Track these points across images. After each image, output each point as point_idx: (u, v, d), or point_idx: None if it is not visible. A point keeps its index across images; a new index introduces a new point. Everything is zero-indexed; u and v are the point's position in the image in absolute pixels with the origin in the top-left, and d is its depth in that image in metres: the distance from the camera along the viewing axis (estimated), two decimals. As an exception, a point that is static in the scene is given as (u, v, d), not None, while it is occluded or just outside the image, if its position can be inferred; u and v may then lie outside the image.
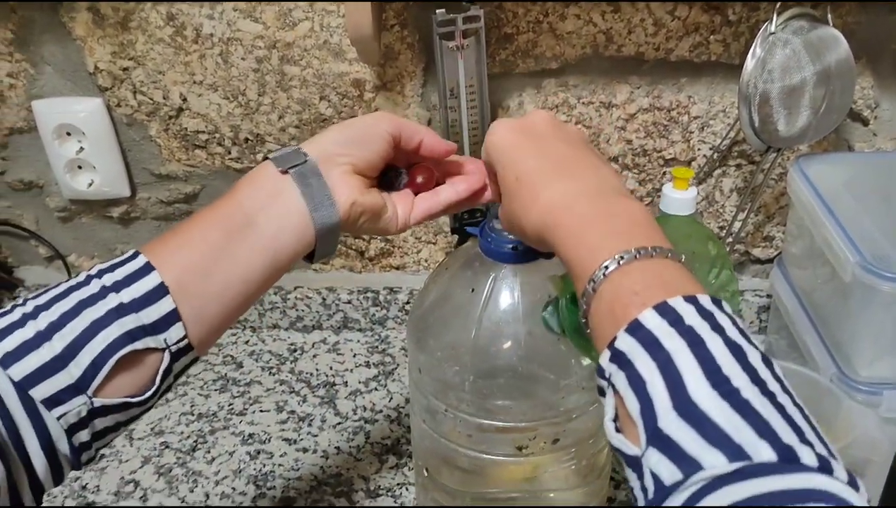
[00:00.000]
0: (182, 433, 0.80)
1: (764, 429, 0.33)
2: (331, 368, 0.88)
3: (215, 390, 0.86)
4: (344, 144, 0.51)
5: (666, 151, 0.85)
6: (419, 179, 0.56)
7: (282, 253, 0.49)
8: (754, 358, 0.35)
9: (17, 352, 0.42)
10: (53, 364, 0.42)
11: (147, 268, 0.45)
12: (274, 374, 0.87)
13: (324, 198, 0.50)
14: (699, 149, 0.84)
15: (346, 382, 0.86)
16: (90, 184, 0.88)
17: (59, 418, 0.42)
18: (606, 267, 0.39)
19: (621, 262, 0.39)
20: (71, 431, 0.43)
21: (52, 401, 0.42)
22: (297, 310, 0.93)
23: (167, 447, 0.78)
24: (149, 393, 0.45)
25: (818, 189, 0.71)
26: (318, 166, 0.50)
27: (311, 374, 0.87)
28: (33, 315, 0.43)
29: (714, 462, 0.32)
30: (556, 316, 0.53)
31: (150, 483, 0.74)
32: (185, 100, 0.85)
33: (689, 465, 0.32)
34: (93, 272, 0.46)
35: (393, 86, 0.84)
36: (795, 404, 0.35)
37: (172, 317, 0.45)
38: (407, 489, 0.72)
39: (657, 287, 0.38)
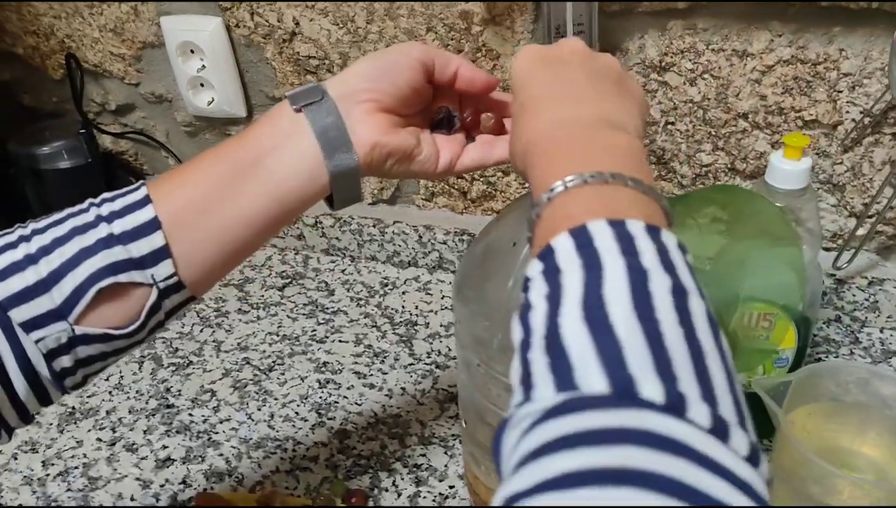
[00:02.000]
0: (264, 352, 0.82)
1: (610, 358, 0.29)
2: (416, 307, 0.87)
3: (303, 314, 0.87)
4: (368, 79, 0.48)
5: (806, 112, 0.74)
6: (468, 119, 0.52)
7: (290, 197, 0.47)
8: (658, 286, 0.31)
9: (3, 273, 0.42)
10: (36, 288, 0.42)
11: (144, 201, 0.45)
12: (361, 306, 0.88)
13: (340, 140, 0.47)
14: (847, 112, 0.72)
15: (428, 324, 0.84)
16: (210, 102, 0.91)
17: (37, 342, 0.43)
18: (552, 190, 0.36)
19: (569, 185, 0.36)
20: (51, 356, 0.43)
21: (31, 325, 0.42)
22: (393, 245, 0.92)
23: (248, 362, 0.81)
24: (133, 327, 0.45)
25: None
26: (336, 104, 0.47)
27: (396, 311, 0.86)
28: (28, 238, 0.44)
29: (545, 393, 0.29)
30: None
31: (224, 395, 0.77)
32: (297, 24, 0.85)
33: (530, 392, 0.30)
34: (96, 200, 0.46)
35: (502, 20, 0.78)
36: (694, 345, 0.30)
37: (162, 253, 0.44)
38: (460, 441, 0.70)
39: (597, 212, 0.34)
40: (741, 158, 0.78)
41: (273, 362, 0.81)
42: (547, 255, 0.33)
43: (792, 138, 0.57)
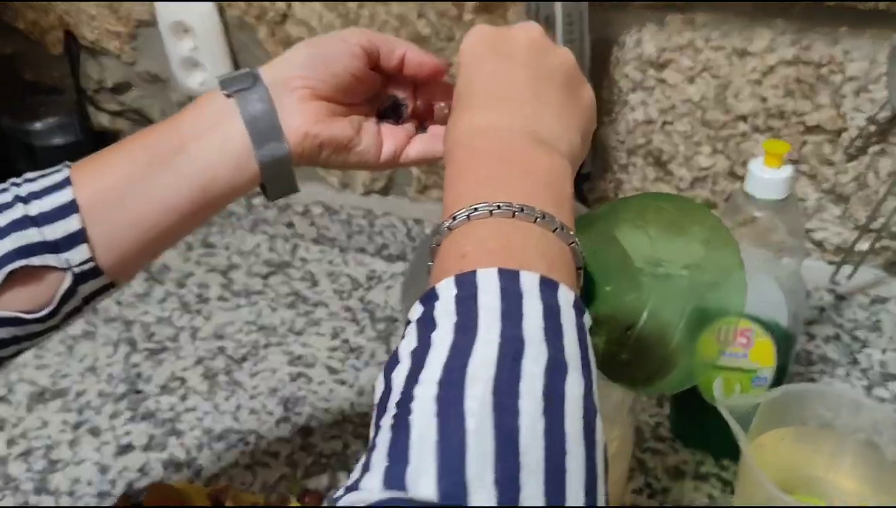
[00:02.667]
0: (239, 341, 0.81)
1: (448, 458, 0.25)
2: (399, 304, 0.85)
3: (284, 305, 0.85)
4: (303, 66, 0.45)
5: (808, 116, 0.69)
6: (420, 108, 0.50)
7: (215, 186, 0.45)
8: (532, 362, 0.28)
9: None
10: None
11: (64, 183, 0.43)
12: (343, 299, 0.85)
13: (270, 128, 0.44)
14: (852, 119, 0.68)
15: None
16: (202, 83, 0.90)
17: None
18: (454, 218, 0.33)
19: (472, 216, 0.33)
20: None
21: None
22: (382, 237, 0.90)
23: (222, 352, 0.80)
24: (46, 312, 0.43)
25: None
26: (268, 91, 0.45)
27: (378, 306, 0.84)
28: None
29: (372, 483, 0.26)
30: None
31: (194, 384, 0.76)
32: (289, 6, 0.82)
33: (363, 477, 0.27)
34: (18, 180, 0.44)
35: (495, 8, 0.75)
36: (555, 442, 0.27)
37: (78, 238, 0.43)
38: (425, 445, 0.68)
39: (494, 253, 0.32)
40: (741, 163, 0.74)
41: (247, 352, 0.80)
42: (428, 301, 0.31)
43: (772, 145, 0.53)
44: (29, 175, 0.44)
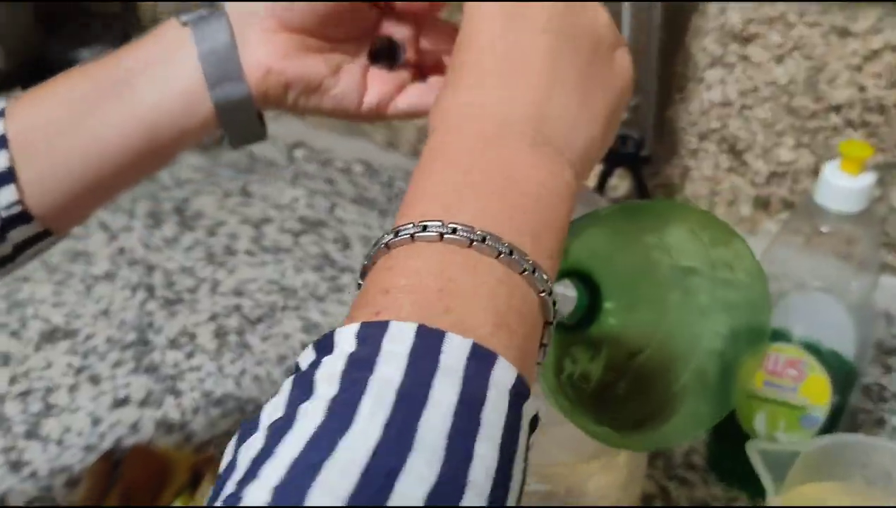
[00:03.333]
0: (258, 300, 0.77)
1: None
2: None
3: (311, 266, 0.80)
4: None
5: (915, 113, 0.59)
6: (423, 54, 0.42)
7: (161, 128, 0.39)
8: (411, 486, 0.20)
9: None
10: None
11: None
12: (372, 267, 0.80)
13: (228, 64, 0.38)
14: (969, 121, 0.57)
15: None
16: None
17: None
18: (397, 233, 0.26)
19: (416, 236, 0.25)
20: None
21: None
22: (422, 205, 0.84)
23: (238, 310, 0.76)
24: None
25: None
26: (229, 20, 0.39)
27: (407, 278, 0.78)
28: None
29: None
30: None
31: (203, 342, 0.72)
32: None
33: None
34: None
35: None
36: None
37: (6, 177, 0.38)
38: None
39: (425, 297, 0.24)
40: (829, 160, 0.64)
41: (263, 313, 0.75)
42: (321, 350, 0.24)
43: (850, 147, 0.44)
44: None
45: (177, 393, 0.67)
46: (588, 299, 0.39)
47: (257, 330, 0.74)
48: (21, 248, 0.41)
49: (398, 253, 0.26)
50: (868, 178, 0.44)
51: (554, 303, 0.27)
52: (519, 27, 0.32)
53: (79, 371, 0.70)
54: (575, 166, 0.30)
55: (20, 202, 0.39)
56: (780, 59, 0.63)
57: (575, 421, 0.32)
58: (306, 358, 0.24)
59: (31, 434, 0.65)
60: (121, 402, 0.67)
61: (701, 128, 0.69)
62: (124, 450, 0.62)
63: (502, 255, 0.25)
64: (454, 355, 0.23)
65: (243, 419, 0.65)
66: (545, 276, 0.26)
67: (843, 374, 0.50)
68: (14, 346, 0.73)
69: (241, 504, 0.20)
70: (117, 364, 0.71)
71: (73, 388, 0.69)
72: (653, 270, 0.37)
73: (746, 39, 0.63)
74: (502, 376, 0.23)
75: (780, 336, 0.50)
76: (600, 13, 0.34)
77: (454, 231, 0.25)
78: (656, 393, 0.35)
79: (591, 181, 0.77)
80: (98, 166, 0.40)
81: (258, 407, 0.64)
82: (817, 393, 0.50)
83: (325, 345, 0.24)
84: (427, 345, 0.23)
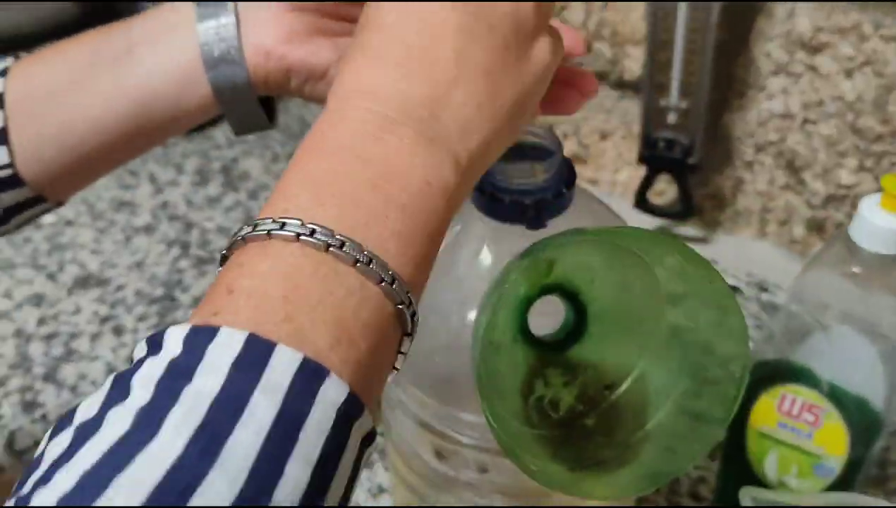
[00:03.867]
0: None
1: None
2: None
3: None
4: None
5: None
6: None
7: (157, 102, 0.38)
8: (222, 479, 0.19)
9: None
10: None
11: None
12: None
13: (228, 44, 0.37)
14: None
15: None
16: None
17: None
18: (256, 226, 0.24)
19: (273, 232, 0.24)
20: None
21: None
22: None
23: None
24: None
25: None
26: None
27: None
28: None
29: None
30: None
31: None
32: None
33: None
34: None
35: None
36: None
37: None
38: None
39: (266, 303, 0.22)
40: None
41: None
42: (152, 348, 0.22)
43: (893, 180, 0.40)
44: None
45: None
46: (574, 318, 0.37)
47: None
48: (13, 212, 0.41)
49: (252, 249, 0.24)
50: (910, 219, 0.40)
51: (414, 315, 0.25)
52: (425, 8, 0.29)
53: (104, 320, 0.71)
54: (464, 165, 0.27)
55: (11, 165, 0.38)
56: (849, 73, 0.57)
57: (514, 455, 0.29)
58: (138, 351, 0.23)
59: (49, 377, 0.66)
60: (138, 356, 0.68)
61: (758, 140, 0.64)
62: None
63: (359, 264, 0.24)
64: (280, 369, 0.21)
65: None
66: (405, 288, 0.25)
67: (866, 424, 0.46)
68: (49, 288, 0.75)
69: (29, 507, 0.19)
70: (142, 317, 0.72)
71: (95, 337, 0.70)
72: (641, 305, 0.35)
73: (815, 49, 0.58)
74: (331, 393, 0.22)
75: (801, 375, 0.46)
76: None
77: (312, 232, 0.23)
78: (623, 433, 0.33)
79: (633, 184, 0.74)
80: (88, 138, 0.39)
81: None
82: (834, 443, 0.46)
83: (155, 343, 0.23)
84: (253, 357, 0.21)
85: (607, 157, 0.74)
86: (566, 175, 0.37)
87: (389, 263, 0.24)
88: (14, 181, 0.39)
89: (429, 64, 0.28)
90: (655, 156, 0.64)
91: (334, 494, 0.21)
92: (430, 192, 0.26)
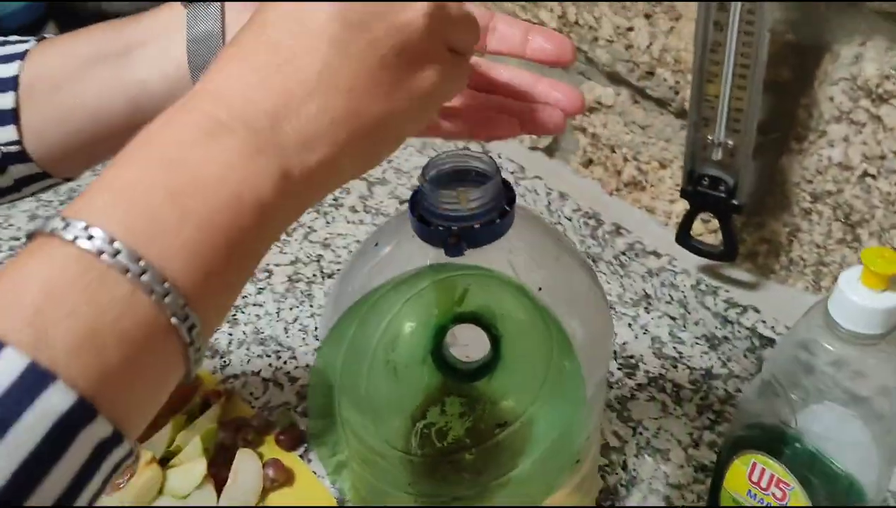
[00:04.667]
0: (339, 257, 0.79)
1: None
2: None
3: (400, 235, 0.81)
4: None
5: None
6: None
7: (150, 102, 0.41)
8: None
9: None
10: None
11: (18, 57, 0.42)
12: (455, 251, 0.79)
13: (211, 55, 0.39)
14: None
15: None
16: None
17: None
18: (66, 224, 0.25)
19: (55, 232, 0.24)
20: None
21: None
22: (524, 200, 0.81)
23: (318, 261, 0.79)
24: None
25: None
26: (223, 8, 0.39)
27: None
28: None
29: None
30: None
31: (276, 282, 0.76)
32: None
33: None
34: None
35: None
36: None
37: (9, 116, 0.42)
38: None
39: (22, 298, 0.23)
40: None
41: (337, 270, 0.78)
42: None
43: (874, 255, 0.36)
44: (8, 39, 0.44)
45: (233, 322, 0.72)
46: (491, 351, 0.36)
47: (326, 284, 0.76)
48: (24, 183, 0.45)
49: (33, 245, 0.25)
50: (891, 299, 0.36)
51: (192, 328, 0.25)
52: (307, 11, 0.28)
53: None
54: (297, 179, 0.27)
55: (19, 142, 0.42)
56: (915, 128, 0.52)
57: (358, 467, 0.30)
58: None
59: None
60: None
61: (816, 188, 0.59)
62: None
63: (129, 274, 0.24)
64: (6, 371, 0.22)
65: (276, 360, 0.68)
66: (181, 301, 0.25)
67: (844, 501, 0.42)
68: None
69: None
70: (198, 283, 0.77)
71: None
72: (537, 351, 0.34)
73: (881, 98, 0.53)
74: (54, 399, 0.22)
75: (772, 445, 0.43)
76: (421, 16, 0.29)
77: (90, 237, 0.24)
78: (490, 475, 0.32)
79: (672, 221, 0.71)
80: (87, 127, 0.42)
81: (293, 358, 0.66)
82: (796, 523, 0.43)
83: None
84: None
85: (664, 187, 0.71)
86: (502, 204, 0.36)
87: (172, 276, 0.25)
88: (22, 157, 0.43)
89: (291, 71, 0.28)
90: (698, 193, 0.61)
91: (46, 495, 0.22)
92: (239, 207, 0.26)
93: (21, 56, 0.43)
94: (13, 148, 0.43)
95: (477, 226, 0.35)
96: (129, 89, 0.41)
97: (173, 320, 0.25)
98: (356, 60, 0.28)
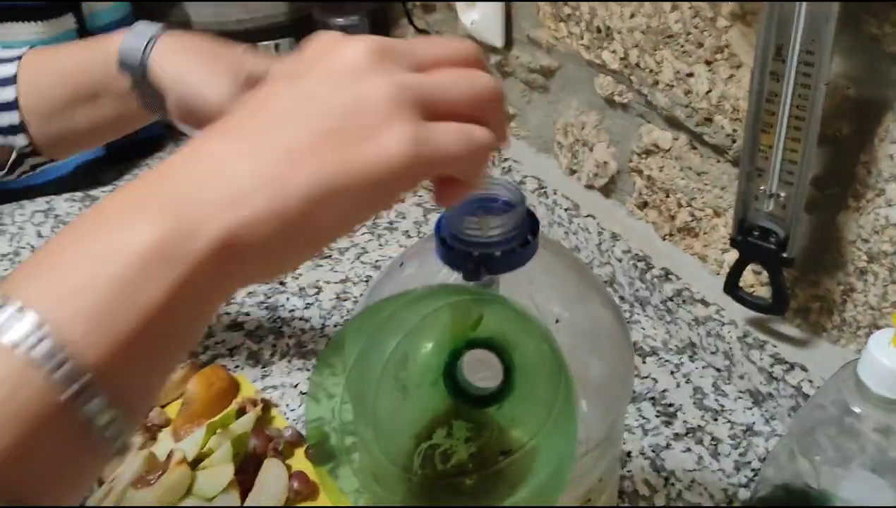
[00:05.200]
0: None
1: None
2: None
3: (450, 264, 0.82)
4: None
5: None
6: None
7: (132, 117, 0.52)
8: None
9: None
10: None
11: (15, 59, 0.51)
12: (502, 283, 0.79)
13: (154, 97, 0.50)
14: None
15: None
16: (472, 23, 0.87)
17: None
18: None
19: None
20: None
21: None
22: (577, 238, 0.80)
23: (367, 281, 0.80)
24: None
25: None
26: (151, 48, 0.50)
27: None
28: None
29: None
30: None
31: (324, 298, 0.78)
32: (562, -38, 0.75)
33: None
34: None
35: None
36: None
37: (19, 129, 0.51)
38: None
39: None
40: None
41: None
42: None
43: (904, 317, 0.35)
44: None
45: (277, 334, 0.74)
46: (504, 378, 0.36)
47: (371, 305, 0.77)
48: (26, 155, 0.53)
49: None
50: (922, 362, 0.35)
51: (92, 399, 0.23)
52: (280, 86, 0.28)
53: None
54: (218, 238, 0.25)
55: (30, 144, 0.52)
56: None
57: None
58: None
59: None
60: (235, 325, 0.75)
61: (872, 248, 0.58)
62: (205, 363, 0.70)
63: (18, 349, 0.22)
64: None
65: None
66: (81, 371, 0.23)
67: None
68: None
69: None
70: (249, 293, 0.79)
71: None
72: (553, 385, 0.34)
73: (943, 159, 0.51)
74: None
75: (812, 504, 0.42)
76: (375, 90, 0.27)
77: (23, 310, 0.23)
78: (491, 499, 0.32)
79: (723, 270, 0.69)
80: (67, 120, 0.51)
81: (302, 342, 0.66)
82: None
83: None
84: None
85: (717, 235, 0.70)
86: (524, 233, 0.37)
87: (73, 345, 0.23)
88: (35, 153, 0.53)
89: (235, 130, 0.27)
90: (748, 243, 0.60)
91: None
92: (145, 270, 0.24)
93: (18, 59, 0.51)
94: (28, 149, 0.52)
95: (498, 253, 0.36)
96: (113, 117, 0.52)
97: (65, 395, 0.23)
98: (303, 121, 0.27)
